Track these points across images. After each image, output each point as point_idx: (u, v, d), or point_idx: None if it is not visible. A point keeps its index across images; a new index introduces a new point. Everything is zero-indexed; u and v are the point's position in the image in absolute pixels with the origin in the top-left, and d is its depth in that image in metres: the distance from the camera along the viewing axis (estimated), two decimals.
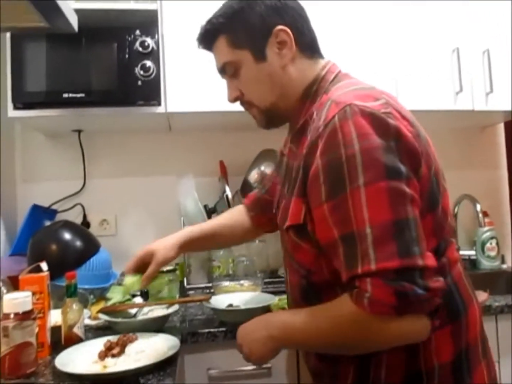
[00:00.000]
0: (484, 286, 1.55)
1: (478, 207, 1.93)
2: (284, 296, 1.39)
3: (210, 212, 1.83)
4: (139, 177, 1.97)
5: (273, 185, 1.20)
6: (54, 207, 1.87)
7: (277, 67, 0.90)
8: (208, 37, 0.95)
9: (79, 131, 1.87)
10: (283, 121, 0.99)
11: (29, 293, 1.02)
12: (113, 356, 1.02)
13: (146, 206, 1.96)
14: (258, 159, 1.87)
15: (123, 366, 0.98)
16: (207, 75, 1.64)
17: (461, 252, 1.93)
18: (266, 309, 1.38)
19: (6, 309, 0.98)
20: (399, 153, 0.73)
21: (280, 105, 0.93)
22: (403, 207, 0.71)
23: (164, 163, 1.98)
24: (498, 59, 1.83)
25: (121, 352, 1.04)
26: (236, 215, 1.34)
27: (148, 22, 1.59)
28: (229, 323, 1.34)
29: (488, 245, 2.01)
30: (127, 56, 1.56)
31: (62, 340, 1.15)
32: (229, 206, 1.77)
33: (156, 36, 1.59)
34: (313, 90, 0.91)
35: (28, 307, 1.00)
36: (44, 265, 1.21)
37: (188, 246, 1.27)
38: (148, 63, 1.57)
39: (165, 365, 1.01)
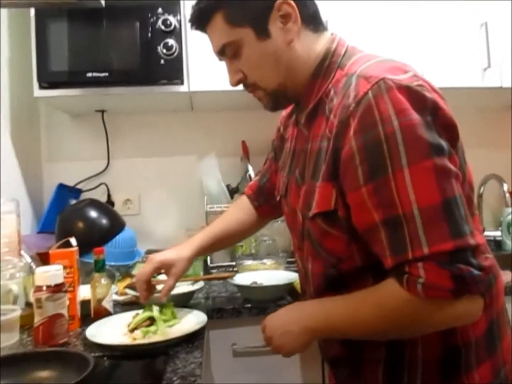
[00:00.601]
0: (508, 268, 1.52)
1: (505, 187, 1.89)
2: None
3: (233, 191, 1.84)
4: (162, 157, 1.98)
5: (273, 172, 1.17)
6: (78, 186, 1.90)
7: (282, 44, 0.83)
8: (202, 17, 0.85)
9: (103, 111, 1.89)
10: (291, 101, 0.93)
11: (60, 267, 1.04)
12: (143, 328, 1.03)
13: (169, 186, 1.98)
14: None
15: (152, 339, 1.00)
16: None
17: (486, 233, 1.90)
18: (290, 287, 1.39)
19: (38, 282, 1.01)
20: (437, 128, 0.70)
21: (288, 84, 0.86)
22: (450, 185, 0.68)
23: (186, 143, 1.99)
24: None
25: (150, 325, 1.06)
26: (241, 210, 1.27)
27: (170, 0, 1.58)
28: (253, 300, 1.35)
29: None
30: (149, 34, 1.56)
31: (91, 313, 1.17)
32: None
33: (179, 14, 1.58)
34: (325, 66, 0.84)
35: (60, 280, 1.03)
36: (73, 240, 1.23)
37: (200, 254, 1.20)
38: (171, 41, 1.56)
39: (193, 338, 1.02)
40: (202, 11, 0.85)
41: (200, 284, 1.39)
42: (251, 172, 1.76)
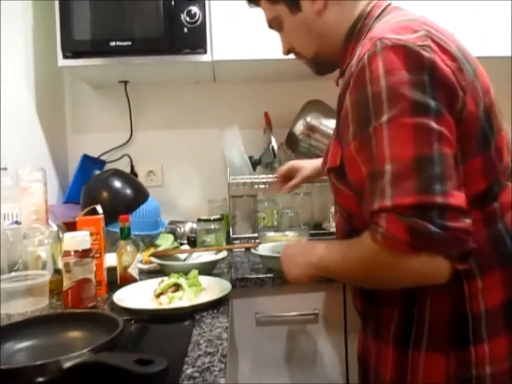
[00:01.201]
0: None
1: None
2: None
3: (255, 163, 1.83)
4: (185, 129, 1.98)
5: None
6: (102, 158, 1.91)
7: (312, 15, 0.88)
8: None
9: (125, 83, 1.88)
10: (333, 66, 0.98)
11: (87, 232, 1.06)
12: (169, 294, 1.05)
13: (192, 158, 1.98)
14: (303, 110, 1.82)
15: (178, 304, 1.02)
16: (253, 22, 1.60)
17: None
18: None
19: (66, 247, 1.02)
20: (432, 87, 0.70)
21: (323, 52, 0.92)
22: (428, 143, 0.68)
23: (208, 115, 1.98)
24: None
25: (175, 291, 1.07)
26: None
27: None
28: (276, 270, 1.35)
29: None
30: (172, 2, 1.54)
31: (117, 280, 1.19)
32: (274, 157, 1.76)
33: None
34: (357, 29, 0.87)
35: (87, 245, 1.04)
36: (99, 208, 1.25)
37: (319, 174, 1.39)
38: (194, 9, 1.54)
39: (218, 305, 1.03)
40: None
41: (223, 253, 1.39)
42: (274, 143, 1.74)
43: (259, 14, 0.99)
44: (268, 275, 1.32)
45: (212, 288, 1.11)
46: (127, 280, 1.18)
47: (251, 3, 0.99)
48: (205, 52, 1.57)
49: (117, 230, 1.25)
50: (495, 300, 0.77)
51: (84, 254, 1.02)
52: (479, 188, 0.76)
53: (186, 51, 1.57)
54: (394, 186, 0.68)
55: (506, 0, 1.68)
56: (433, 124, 0.69)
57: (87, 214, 1.28)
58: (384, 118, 0.70)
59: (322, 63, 0.97)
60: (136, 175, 1.92)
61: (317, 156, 1.79)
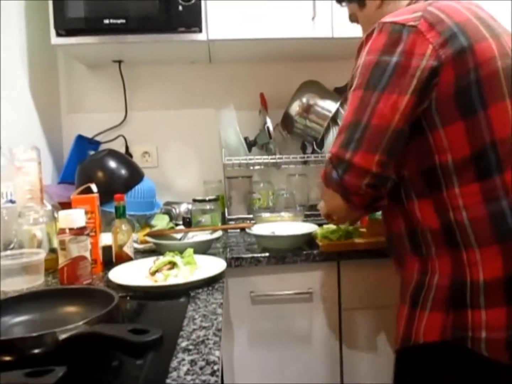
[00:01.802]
0: None
1: None
2: (328, 225, 1.40)
3: (251, 144, 1.82)
4: (180, 109, 1.96)
5: None
6: (97, 138, 1.90)
7: (373, 9, 1.04)
8: None
9: (120, 62, 1.86)
10: None
11: (82, 210, 1.06)
12: (164, 271, 1.05)
13: (187, 139, 1.97)
14: (299, 91, 1.81)
15: (174, 281, 1.02)
16: (249, 1, 1.59)
17: None
18: (309, 236, 1.40)
19: (61, 225, 1.03)
20: (395, 68, 0.83)
21: None
22: (363, 113, 0.85)
23: (204, 96, 1.96)
24: None
25: (171, 269, 1.08)
26: None
27: None
28: (271, 249, 1.36)
29: None
30: None
31: (113, 258, 1.20)
32: (270, 138, 1.75)
33: None
34: None
35: (82, 223, 1.04)
36: (93, 187, 1.25)
37: None
38: None
39: (214, 282, 1.04)
40: None
41: (219, 233, 1.40)
42: (269, 124, 1.74)
43: None
44: (263, 255, 1.33)
45: (207, 266, 1.12)
46: (123, 258, 1.19)
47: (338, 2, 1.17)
48: (200, 31, 1.55)
49: (112, 210, 1.25)
50: (495, 272, 0.81)
51: (79, 231, 1.03)
52: (464, 152, 0.82)
53: (181, 30, 1.54)
54: (335, 138, 0.90)
55: (506, 0, 1.66)
56: (372, 100, 0.84)
57: (82, 193, 1.28)
58: (353, 88, 0.89)
59: None
60: (131, 156, 1.91)
61: (313, 137, 1.79)
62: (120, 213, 1.21)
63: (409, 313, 0.90)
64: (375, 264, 1.34)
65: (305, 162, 1.84)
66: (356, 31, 1.15)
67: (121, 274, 1.07)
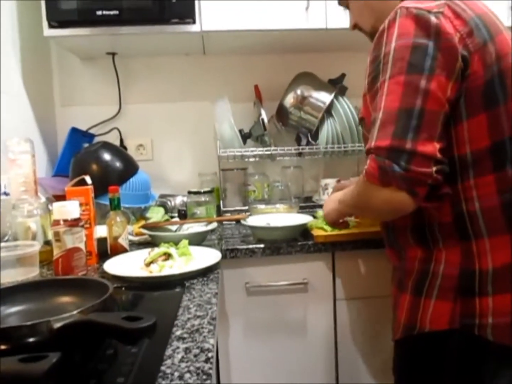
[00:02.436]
0: None
1: None
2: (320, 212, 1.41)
3: (246, 136, 1.82)
4: (174, 102, 1.96)
5: None
6: (91, 131, 1.89)
7: None
8: None
9: (113, 54, 1.85)
10: None
11: (76, 202, 1.06)
12: (159, 262, 1.06)
13: (182, 131, 1.96)
14: (294, 82, 1.81)
15: (169, 272, 1.03)
16: None
17: None
18: (304, 228, 1.40)
19: (56, 216, 1.02)
20: (434, 50, 0.80)
21: (378, 26, 0.94)
22: (413, 99, 0.79)
23: (199, 88, 1.96)
24: None
25: (166, 260, 1.08)
26: None
27: None
28: (266, 240, 1.36)
29: None
30: None
31: (108, 250, 1.20)
32: (264, 130, 1.75)
33: None
34: None
35: (76, 214, 1.04)
36: (88, 179, 1.24)
37: None
38: None
39: (209, 273, 1.05)
40: None
41: (214, 225, 1.40)
42: (264, 116, 1.74)
43: None
44: (258, 246, 1.33)
45: (203, 258, 1.12)
46: (118, 250, 1.19)
47: None
48: (194, 22, 1.55)
49: (107, 202, 1.25)
50: (504, 260, 0.83)
51: (73, 223, 1.03)
52: (483, 145, 0.83)
53: (175, 21, 1.54)
54: (379, 131, 0.81)
55: (506, 0, 1.66)
56: (422, 83, 0.79)
57: (76, 185, 1.28)
58: (387, 75, 0.82)
59: None
60: (125, 148, 1.90)
61: (307, 129, 1.79)
62: (115, 205, 1.21)
63: (412, 301, 0.90)
64: (369, 254, 1.35)
65: (300, 154, 1.84)
66: None
67: (116, 265, 1.07)
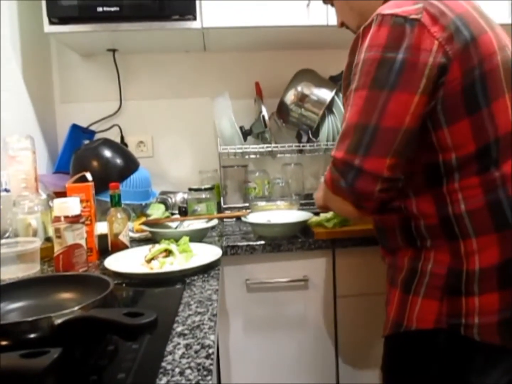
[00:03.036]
0: None
1: None
2: (323, 214, 1.41)
3: (246, 134, 1.82)
4: (175, 98, 1.95)
5: None
6: (92, 128, 1.89)
7: None
8: None
9: (114, 51, 1.85)
10: None
11: (77, 198, 1.06)
12: (160, 259, 1.06)
13: (182, 128, 1.96)
14: (294, 79, 1.81)
15: (169, 269, 1.03)
16: None
17: None
18: (304, 224, 1.40)
19: (56, 212, 1.03)
20: (402, 65, 0.78)
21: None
22: (370, 115, 0.79)
23: (199, 85, 1.96)
24: None
25: (166, 256, 1.08)
26: None
27: None
28: (267, 237, 1.36)
29: None
30: None
31: (109, 246, 1.20)
32: (265, 127, 1.75)
33: None
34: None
35: (77, 211, 1.04)
36: (88, 175, 1.24)
37: None
38: None
39: (209, 269, 1.05)
40: None
41: (214, 221, 1.40)
42: (265, 112, 1.73)
43: None
44: (259, 243, 1.33)
45: (203, 254, 1.13)
46: (118, 246, 1.19)
47: None
48: (194, 18, 1.54)
49: (108, 199, 1.25)
50: (490, 260, 0.82)
51: (74, 219, 1.03)
52: (469, 150, 0.81)
53: (175, 18, 1.53)
54: (338, 142, 0.84)
55: (505, 0, 1.65)
56: (382, 99, 0.79)
57: (76, 181, 1.28)
58: (354, 86, 0.83)
59: None
60: (126, 145, 1.90)
61: (308, 126, 1.79)
62: (116, 201, 1.21)
63: (401, 298, 0.90)
64: (369, 251, 1.35)
65: (300, 151, 1.84)
66: None
67: (117, 262, 1.07)
